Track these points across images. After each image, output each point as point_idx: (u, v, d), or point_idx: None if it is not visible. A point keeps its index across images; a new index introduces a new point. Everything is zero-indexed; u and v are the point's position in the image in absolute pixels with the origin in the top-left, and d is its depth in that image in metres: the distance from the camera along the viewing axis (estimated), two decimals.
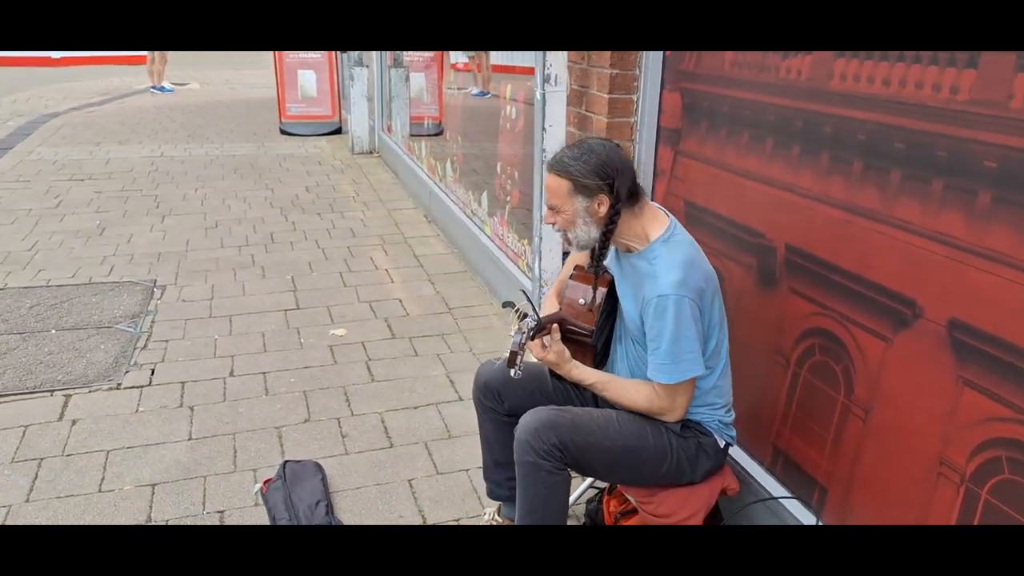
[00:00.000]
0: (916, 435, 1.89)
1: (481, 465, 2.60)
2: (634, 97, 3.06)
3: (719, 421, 2.22)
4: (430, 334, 4.24)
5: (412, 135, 7.87)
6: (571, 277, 2.33)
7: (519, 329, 2.10)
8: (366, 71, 9.26)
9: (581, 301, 2.28)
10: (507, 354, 2.08)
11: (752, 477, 2.42)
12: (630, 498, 2.28)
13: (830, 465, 2.19)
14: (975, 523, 1.75)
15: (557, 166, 2.07)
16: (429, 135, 7.60)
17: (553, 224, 2.14)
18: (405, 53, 8.35)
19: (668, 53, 2.95)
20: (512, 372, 2.08)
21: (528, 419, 2.09)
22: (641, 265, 2.11)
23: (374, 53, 8.96)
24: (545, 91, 3.17)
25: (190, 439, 3.21)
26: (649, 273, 2.09)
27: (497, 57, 6.27)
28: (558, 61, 3.14)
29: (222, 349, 4.00)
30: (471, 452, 3.13)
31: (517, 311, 2.25)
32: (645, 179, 3.09)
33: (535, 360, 2.57)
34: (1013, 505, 1.66)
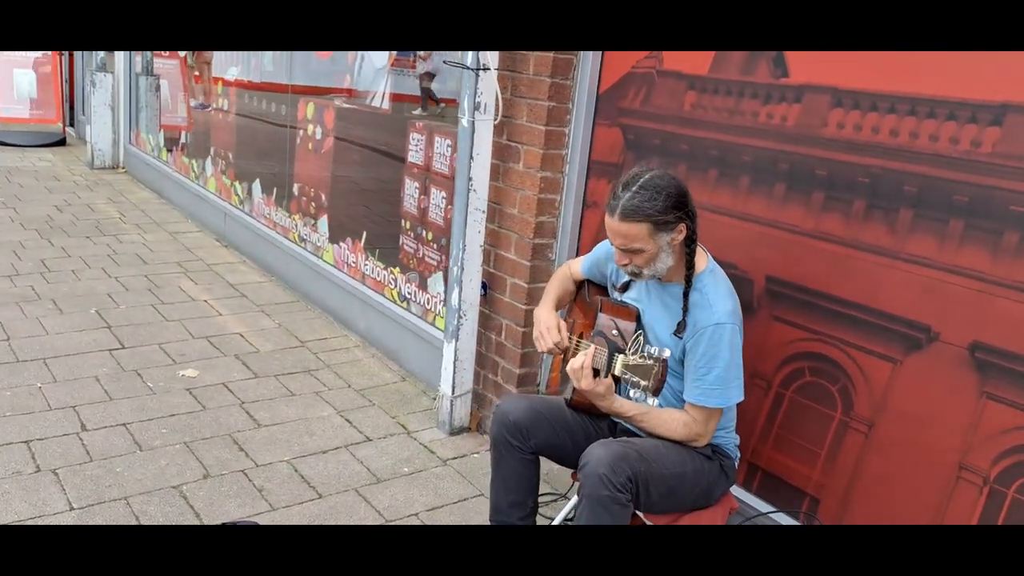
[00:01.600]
0: (931, 446, 2.14)
1: (489, 506, 2.47)
2: (566, 130, 3.11)
3: (733, 443, 2.33)
4: (295, 371, 3.93)
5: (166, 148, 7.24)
6: (600, 310, 2.31)
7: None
8: (110, 77, 8.32)
9: (614, 332, 2.28)
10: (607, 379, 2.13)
11: (737, 498, 2.56)
12: (648, 523, 2.31)
13: (822, 478, 2.40)
14: (1001, 520, 2.02)
15: (631, 214, 2.07)
16: (177, 149, 7.06)
17: (627, 265, 2.15)
18: (156, 60, 7.64)
19: (602, 90, 3.04)
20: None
21: (600, 452, 2.05)
22: (690, 295, 2.17)
23: (119, 58, 8.08)
24: (475, 119, 3.11)
25: (72, 509, 2.69)
26: (700, 303, 2.16)
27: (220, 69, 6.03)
28: (488, 90, 3.10)
29: (56, 399, 3.39)
30: (408, 496, 2.97)
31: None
32: (575, 209, 3.16)
33: (550, 395, 2.52)
34: None
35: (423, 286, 3.96)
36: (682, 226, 2.12)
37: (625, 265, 2.17)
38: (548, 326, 2.42)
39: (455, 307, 3.29)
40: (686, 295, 2.19)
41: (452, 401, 3.39)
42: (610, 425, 2.38)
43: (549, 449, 2.32)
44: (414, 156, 4.12)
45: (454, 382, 3.36)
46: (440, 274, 3.84)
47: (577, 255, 3.20)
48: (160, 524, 2.65)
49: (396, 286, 4.14)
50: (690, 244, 2.16)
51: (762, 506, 2.53)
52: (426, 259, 3.98)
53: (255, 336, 4.30)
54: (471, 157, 3.14)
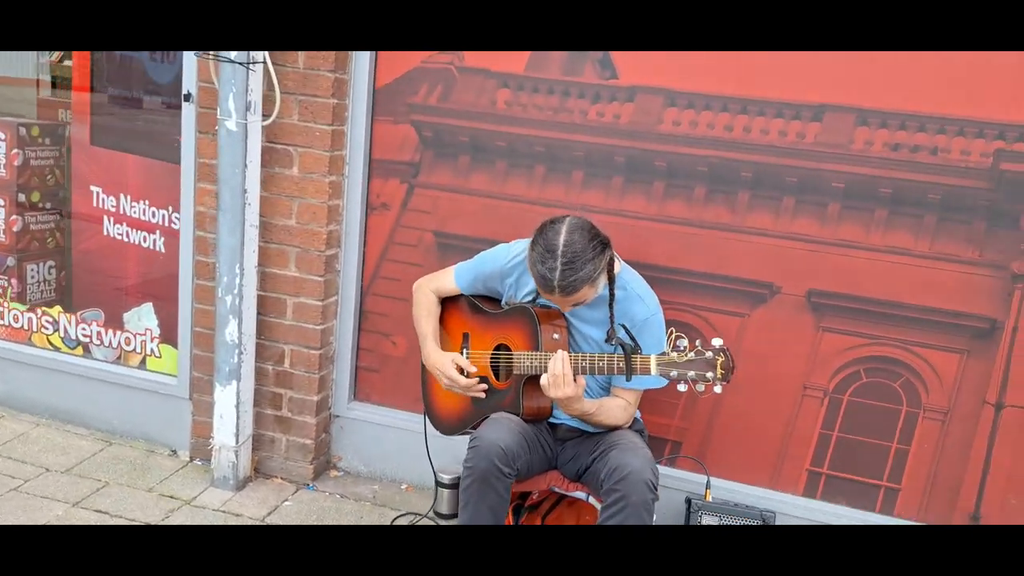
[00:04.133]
0: (780, 375, 2.69)
1: None
2: (345, 128, 2.85)
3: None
4: None
5: None
6: (539, 321, 2.28)
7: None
8: None
9: (555, 337, 2.29)
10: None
11: None
12: (596, 504, 2.41)
13: (682, 424, 2.80)
14: (839, 420, 2.67)
15: (575, 288, 2.14)
16: None
17: (573, 308, 2.27)
18: None
19: (380, 85, 2.87)
20: None
21: (635, 459, 2.12)
22: (616, 295, 2.30)
23: None
24: (248, 121, 2.66)
25: None
26: (630, 298, 2.31)
27: None
28: (258, 87, 2.67)
29: None
30: None
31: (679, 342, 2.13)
32: (360, 214, 2.94)
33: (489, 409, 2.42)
34: (872, 396, 2.64)
35: (113, 324, 3.21)
36: (608, 257, 2.22)
37: (570, 309, 2.28)
38: (453, 377, 2.42)
39: (233, 342, 2.81)
40: (611, 304, 2.31)
41: (237, 451, 2.90)
42: (549, 426, 2.41)
43: (525, 467, 2.27)
44: None
45: (238, 428, 2.88)
46: (148, 306, 3.17)
47: (364, 262, 3.01)
48: None
49: (56, 329, 3.26)
50: (611, 262, 2.27)
51: None
52: None
53: None
54: (245, 166, 2.69)
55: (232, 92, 2.62)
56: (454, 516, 2.89)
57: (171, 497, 2.86)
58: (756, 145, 2.60)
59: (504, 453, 2.17)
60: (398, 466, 3.09)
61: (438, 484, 2.87)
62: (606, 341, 2.33)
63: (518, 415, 2.32)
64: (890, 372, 2.63)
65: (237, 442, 2.89)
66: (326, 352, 2.99)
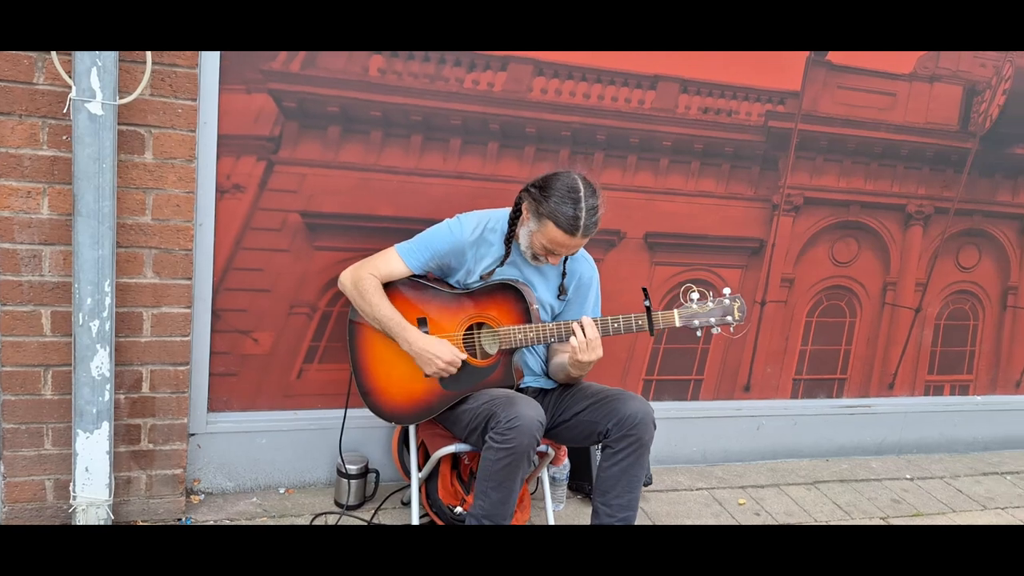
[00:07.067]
0: (626, 308, 3.15)
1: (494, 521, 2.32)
2: (197, 103, 2.39)
3: None
4: None
5: None
6: (527, 298, 2.35)
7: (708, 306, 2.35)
8: None
9: (535, 307, 2.40)
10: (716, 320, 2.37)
11: None
12: (549, 449, 2.62)
13: None
14: (664, 335, 3.24)
15: (597, 224, 2.30)
16: None
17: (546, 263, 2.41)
18: None
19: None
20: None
21: (640, 405, 2.35)
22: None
23: None
24: (116, 102, 2.10)
25: None
26: (576, 258, 2.53)
27: None
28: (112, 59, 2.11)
29: None
30: None
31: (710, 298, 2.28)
32: (207, 201, 2.54)
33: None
34: None
35: None
36: None
37: (545, 263, 2.41)
38: (452, 360, 2.38)
39: (103, 377, 2.26)
40: (564, 264, 2.50)
41: (111, 505, 2.37)
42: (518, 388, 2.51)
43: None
44: None
45: (111, 477, 2.35)
46: None
47: (215, 255, 2.63)
48: None
49: None
50: None
51: None
52: None
53: None
54: (112, 158, 2.13)
55: (97, 65, 2.03)
56: (358, 507, 2.81)
57: None
58: (608, 111, 2.93)
59: (541, 426, 2.26)
60: (270, 472, 2.83)
61: (347, 476, 2.75)
62: (558, 298, 2.52)
63: (511, 387, 2.40)
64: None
65: (111, 494, 2.36)
66: (192, 366, 2.56)
